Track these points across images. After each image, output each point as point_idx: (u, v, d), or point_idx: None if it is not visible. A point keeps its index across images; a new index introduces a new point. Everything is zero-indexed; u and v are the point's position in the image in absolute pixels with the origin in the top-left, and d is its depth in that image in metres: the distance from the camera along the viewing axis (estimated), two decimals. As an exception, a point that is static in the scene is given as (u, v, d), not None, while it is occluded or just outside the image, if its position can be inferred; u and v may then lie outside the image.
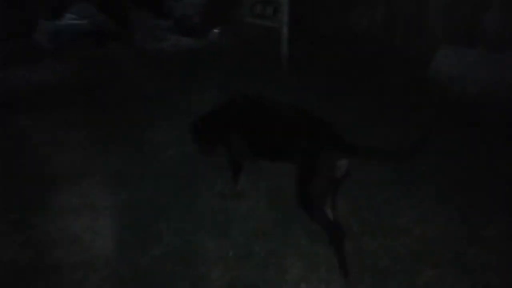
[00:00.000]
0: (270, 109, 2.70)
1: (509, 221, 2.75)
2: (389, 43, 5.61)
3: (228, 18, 6.88)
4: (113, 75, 5.22)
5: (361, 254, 2.50)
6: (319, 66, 5.51)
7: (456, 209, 2.86)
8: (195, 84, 4.97)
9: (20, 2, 6.11)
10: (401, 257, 2.49)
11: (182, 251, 2.56)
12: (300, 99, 4.48)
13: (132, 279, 2.39)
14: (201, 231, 2.72)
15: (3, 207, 2.95)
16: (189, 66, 5.57)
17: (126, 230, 2.75)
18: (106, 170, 3.33)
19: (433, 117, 4.05)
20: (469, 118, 4.09)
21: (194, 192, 3.10)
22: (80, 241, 2.66)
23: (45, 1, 6.34)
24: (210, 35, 6.46)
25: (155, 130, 3.87)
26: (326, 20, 6.16)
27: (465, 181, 3.15)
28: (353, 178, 2.45)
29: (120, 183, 3.18)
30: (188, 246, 2.60)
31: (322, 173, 2.30)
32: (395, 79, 5.06)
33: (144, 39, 6.33)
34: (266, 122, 2.63)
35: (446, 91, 4.78)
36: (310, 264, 2.46)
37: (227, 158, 2.95)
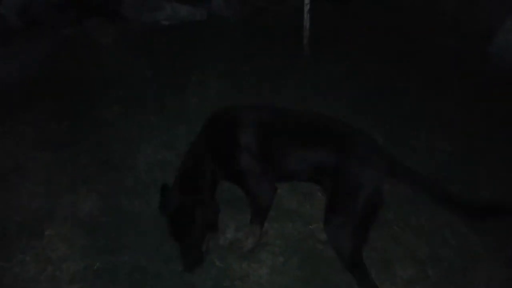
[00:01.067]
0: (284, 120, 2.39)
1: None
2: (436, 11, 4.69)
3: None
4: (94, 62, 4.39)
5: None
6: (349, 43, 4.61)
7: None
8: (195, 71, 4.15)
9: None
10: None
11: None
12: (322, 90, 3.85)
13: None
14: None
15: None
16: (187, 45, 4.71)
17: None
18: (73, 216, 2.59)
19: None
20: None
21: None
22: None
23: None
24: (214, 3, 5.55)
25: (141, 151, 3.08)
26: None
27: None
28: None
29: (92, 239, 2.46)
30: None
31: (357, 199, 1.97)
32: (445, 59, 4.26)
33: (132, 11, 5.43)
34: (282, 136, 2.31)
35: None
36: None
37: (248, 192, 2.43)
